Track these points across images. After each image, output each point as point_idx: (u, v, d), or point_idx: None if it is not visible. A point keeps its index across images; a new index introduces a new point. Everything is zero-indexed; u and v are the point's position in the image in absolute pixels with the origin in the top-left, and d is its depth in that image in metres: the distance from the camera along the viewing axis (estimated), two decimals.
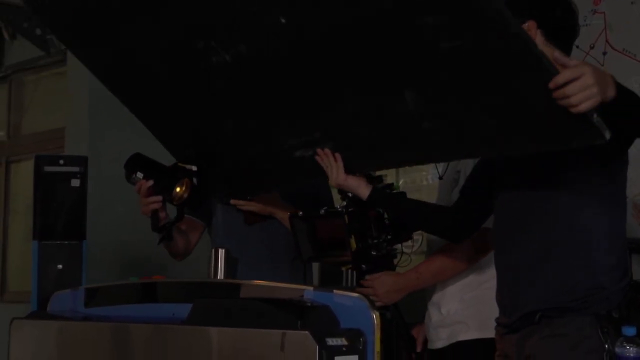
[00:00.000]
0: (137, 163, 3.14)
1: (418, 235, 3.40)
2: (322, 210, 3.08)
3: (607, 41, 4.30)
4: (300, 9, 2.61)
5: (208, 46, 2.88)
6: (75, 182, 3.76)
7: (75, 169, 3.77)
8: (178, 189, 3.14)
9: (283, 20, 2.64)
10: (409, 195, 3.19)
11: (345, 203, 3.02)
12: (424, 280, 3.07)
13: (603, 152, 2.37)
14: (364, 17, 2.49)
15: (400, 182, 4.85)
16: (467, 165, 2.98)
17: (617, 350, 2.37)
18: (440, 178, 3.23)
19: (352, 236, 3.02)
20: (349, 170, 2.90)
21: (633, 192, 4.00)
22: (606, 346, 2.42)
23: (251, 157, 3.16)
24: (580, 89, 2.12)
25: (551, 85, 2.15)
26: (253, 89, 2.96)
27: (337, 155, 2.89)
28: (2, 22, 5.95)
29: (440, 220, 2.93)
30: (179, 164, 3.14)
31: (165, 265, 5.11)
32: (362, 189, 2.90)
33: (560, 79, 2.14)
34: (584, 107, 2.13)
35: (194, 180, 3.12)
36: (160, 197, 3.14)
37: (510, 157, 2.59)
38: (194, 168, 3.12)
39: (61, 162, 3.76)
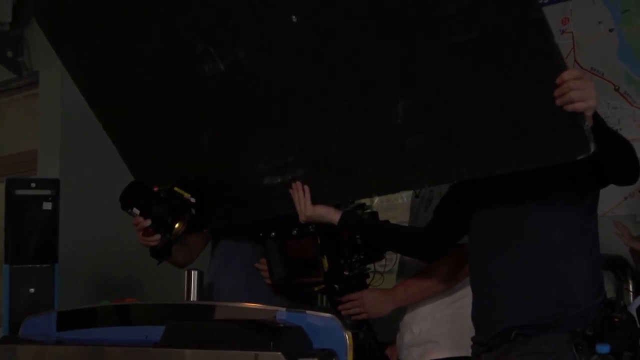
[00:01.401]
0: (133, 197, 3.08)
1: (391, 254, 3.41)
2: (295, 231, 3.08)
3: (575, 60, 4.35)
4: (310, 7, 2.62)
5: (205, 52, 2.87)
6: (47, 205, 3.75)
7: (47, 191, 3.76)
8: (177, 226, 3.12)
9: (294, 19, 2.64)
10: (383, 215, 3.21)
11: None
12: (411, 295, 3.08)
13: (577, 175, 2.41)
14: (363, 17, 2.50)
15: (375, 201, 4.85)
16: (441, 185, 3.00)
17: None
18: (417, 196, 3.24)
19: (325, 256, 3.02)
20: (321, 201, 2.90)
21: (608, 205, 4.04)
22: None
23: (220, 181, 3.15)
24: (582, 87, 2.20)
25: (558, 80, 2.21)
26: (234, 105, 2.96)
27: (306, 187, 2.89)
28: None
29: (412, 242, 2.94)
30: (176, 189, 3.09)
31: (139, 287, 5.10)
32: (332, 215, 2.91)
33: (567, 75, 2.21)
34: (581, 106, 2.21)
35: (192, 210, 3.09)
36: (158, 237, 3.12)
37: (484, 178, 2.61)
38: (192, 200, 3.09)
39: (33, 185, 3.75)
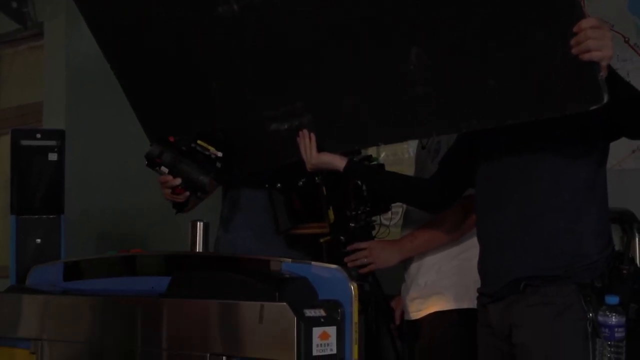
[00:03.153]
0: (159, 155, 3.05)
1: (397, 207, 3.40)
2: (301, 182, 3.07)
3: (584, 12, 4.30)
4: None
5: None
6: (53, 156, 3.74)
7: (53, 142, 3.75)
8: (206, 182, 3.09)
9: None
10: (390, 168, 3.20)
11: (323, 174, 3.02)
12: (418, 245, 3.08)
13: (588, 127, 2.41)
14: None
15: (382, 155, 4.84)
16: (448, 136, 2.98)
17: (600, 318, 2.41)
18: (423, 148, 3.22)
19: (330, 208, 3.02)
20: (327, 148, 2.89)
21: (616, 158, 4.02)
22: (589, 315, 2.44)
23: (227, 129, 3.13)
24: (600, 36, 2.19)
25: (575, 28, 2.20)
26: (245, 48, 2.93)
27: (312, 135, 2.88)
28: None
29: (418, 192, 2.93)
30: (200, 142, 3.04)
31: (144, 238, 5.11)
32: (338, 162, 2.90)
33: (585, 23, 2.19)
34: (597, 55, 2.19)
35: (218, 164, 3.06)
36: (187, 194, 3.09)
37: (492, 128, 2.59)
38: (219, 154, 3.05)
39: (38, 136, 3.74)
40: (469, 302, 2.94)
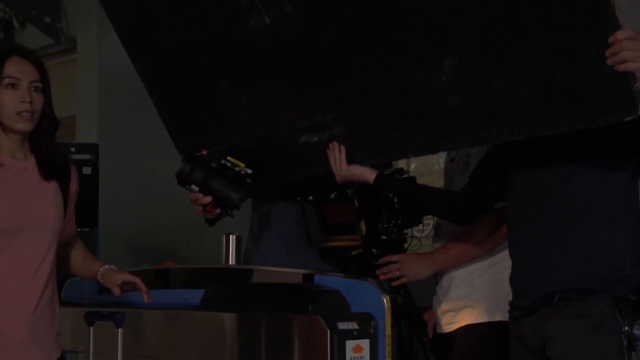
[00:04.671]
0: (190, 173, 3.06)
1: (428, 219, 3.40)
2: (333, 195, 3.08)
3: None
4: None
5: (252, 4, 2.86)
6: (87, 170, 3.78)
7: (87, 156, 3.80)
8: (237, 199, 3.10)
9: None
10: (420, 180, 3.19)
11: (355, 187, 3.02)
12: (450, 258, 3.07)
13: (622, 138, 2.41)
14: None
15: (412, 167, 4.84)
16: (478, 149, 2.98)
17: (636, 332, 2.41)
18: (452, 161, 3.22)
19: (362, 220, 3.02)
20: (357, 161, 2.90)
21: None
22: (625, 328, 2.43)
23: (258, 137, 3.14)
24: (636, 47, 2.20)
25: (611, 39, 2.20)
26: (276, 59, 2.95)
27: (342, 147, 2.89)
28: (12, 11, 5.96)
29: (448, 205, 2.93)
30: (230, 159, 3.04)
31: (177, 251, 5.15)
32: (368, 174, 2.90)
33: (620, 34, 2.20)
34: (633, 66, 2.20)
35: (248, 180, 3.06)
36: (218, 211, 3.10)
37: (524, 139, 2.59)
38: (249, 170, 3.06)
39: (72, 149, 3.78)
40: (501, 315, 2.93)
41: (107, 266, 2.70)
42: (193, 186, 3.05)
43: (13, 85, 2.52)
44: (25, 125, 2.54)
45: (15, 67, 2.53)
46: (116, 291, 2.64)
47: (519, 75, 2.44)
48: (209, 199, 3.06)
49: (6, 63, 2.53)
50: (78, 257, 2.78)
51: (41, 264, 2.54)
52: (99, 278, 2.69)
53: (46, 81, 2.58)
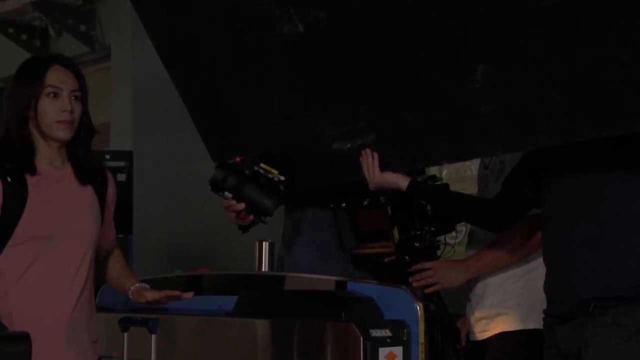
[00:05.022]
0: (223, 180, 3.08)
1: (461, 226, 3.39)
2: (366, 202, 3.08)
3: None
4: None
5: (285, 12, 2.88)
6: (121, 177, 3.81)
7: (121, 163, 3.82)
8: (270, 206, 3.11)
9: None
10: (452, 187, 3.18)
11: (388, 194, 3.02)
12: (484, 265, 3.06)
13: None
14: None
15: (444, 173, 4.82)
16: (512, 156, 2.97)
17: None
18: (486, 168, 3.21)
19: (395, 227, 3.02)
20: (390, 168, 2.89)
21: None
22: None
23: (289, 145, 3.15)
24: None
25: None
26: (309, 66, 2.96)
27: (375, 154, 2.89)
28: (48, 20, 6.04)
29: (482, 212, 2.92)
30: (263, 166, 3.06)
31: (210, 257, 5.17)
32: (401, 181, 2.90)
33: None
34: None
35: (281, 187, 3.07)
36: (251, 218, 3.11)
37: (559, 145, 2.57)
38: (282, 178, 3.07)
39: (107, 157, 3.81)
40: (535, 322, 2.91)
41: (138, 284, 2.71)
42: (227, 193, 3.07)
43: (54, 95, 2.56)
44: (65, 134, 2.57)
45: (57, 77, 2.57)
46: (142, 301, 2.66)
47: (553, 81, 2.43)
48: (242, 205, 3.07)
49: (48, 72, 2.57)
50: (114, 270, 2.80)
51: (78, 270, 2.57)
52: (130, 295, 2.70)
53: (85, 90, 2.62)
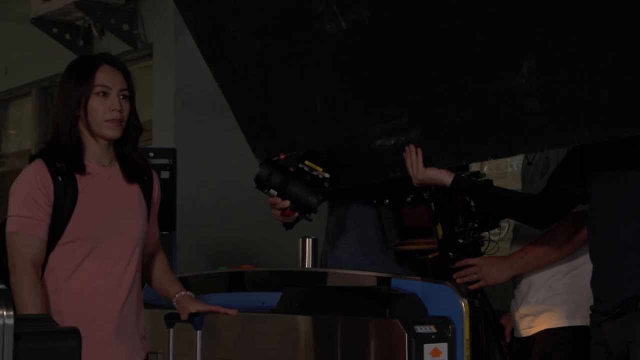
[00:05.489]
0: (268, 177, 3.08)
1: (505, 223, 3.37)
2: (409, 198, 3.07)
3: None
4: None
5: (328, 9, 2.88)
6: (165, 174, 3.83)
7: (165, 161, 3.84)
8: (314, 203, 3.11)
9: None
10: (494, 183, 3.17)
11: (431, 190, 3.01)
12: (529, 262, 3.03)
13: None
14: None
15: (485, 169, 4.80)
16: (557, 152, 2.95)
17: None
18: (530, 164, 3.19)
19: (439, 224, 3.01)
20: (434, 164, 2.88)
21: None
22: None
23: (333, 142, 3.16)
24: None
25: None
26: (351, 64, 2.96)
27: (419, 150, 2.88)
28: (91, 19, 6.10)
29: (525, 207, 2.90)
30: (308, 163, 3.07)
31: (253, 254, 5.19)
32: (445, 177, 2.89)
33: None
34: None
35: (326, 184, 3.08)
36: (295, 215, 3.13)
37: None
38: (326, 175, 3.08)
39: (151, 154, 3.83)
40: (581, 319, 2.89)
41: (184, 292, 2.71)
42: (272, 191, 3.08)
43: (104, 94, 2.59)
44: (114, 132, 2.60)
45: (106, 76, 2.60)
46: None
47: (600, 76, 2.40)
48: (287, 203, 3.08)
49: (97, 72, 2.60)
50: (158, 274, 2.81)
51: (127, 267, 2.59)
52: (174, 303, 2.71)
53: (132, 89, 2.65)
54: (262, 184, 3.09)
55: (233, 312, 2.66)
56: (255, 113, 3.35)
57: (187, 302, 2.68)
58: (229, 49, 3.30)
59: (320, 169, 3.06)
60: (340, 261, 3.30)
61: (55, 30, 6.28)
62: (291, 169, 3.10)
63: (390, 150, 2.98)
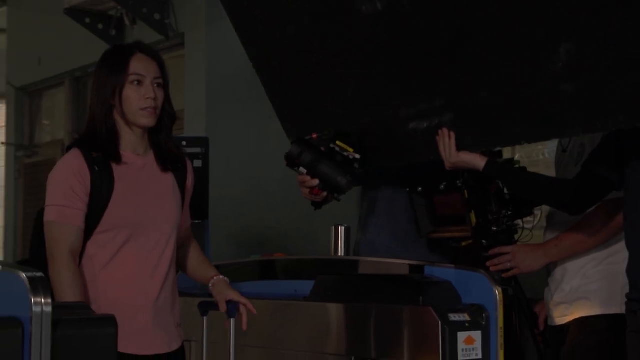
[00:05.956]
0: (299, 155, 3.11)
1: (538, 210, 3.35)
2: (442, 185, 3.06)
3: None
4: None
5: None
6: (198, 163, 3.84)
7: (197, 149, 3.86)
8: (344, 184, 3.12)
9: None
10: None
11: (465, 177, 3.00)
12: (563, 249, 3.01)
13: None
14: None
15: (516, 157, 4.77)
16: (592, 139, 2.92)
17: None
18: (564, 151, 3.16)
19: (472, 211, 3.00)
20: (467, 147, 2.87)
21: None
22: None
23: (365, 123, 3.14)
24: None
25: None
26: (385, 46, 2.95)
27: (452, 133, 2.87)
28: (123, 9, 6.14)
29: (558, 192, 2.88)
30: (339, 143, 3.08)
31: (286, 242, 5.20)
32: (478, 161, 2.87)
33: None
34: None
35: (356, 165, 3.09)
36: (324, 194, 3.14)
37: None
38: (357, 156, 3.09)
39: (183, 143, 3.84)
40: (617, 307, 2.87)
41: (220, 277, 2.73)
42: (302, 169, 3.10)
43: (138, 82, 2.60)
44: (149, 120, 2.61)
45: (140, 64, 2.61)
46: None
47: (636, 60, 2.38)
48: (316, 181, 3.10)
49: (131, 60, 2.61)
50: (193, 259, 2.83)
51: (162, 255, 2.61)
52: (210, 286, 2.73)
53: (166, 77, 2.66)
54: (292, 161, 3.11)
55: (253, 310, 2.67)
56: (289, 93, 3.36)
57: (223, 288, 2.69)
58: (264, 30, 3.30)
59: (352, 150, 3.07)
60: (373, 247, 3.30)
61: (87, 20, 6.32)
62: (322, 149, 3.11)
63: (422, 134, 2.98)
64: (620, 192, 2.75)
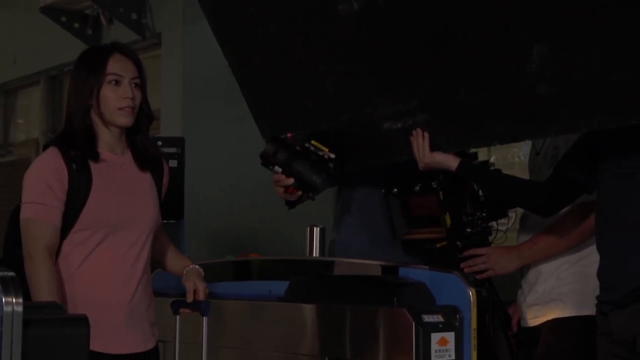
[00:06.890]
0: (274, 154, 3.11)
1: (512, 212, 3.36)
2: (417, 187, 3.07)
3: None
4: None
5: None
6: (173, 163, 3.84)
7: (173, 149, 3.86)
8: (318, 183, 3.12)
9: None
10: None
11: (440, 179, 3.01)
12: (537, 251, 3.03)
13: None
14: None
15: (491, 159, 4.80)
16: (566, 142, 2.94)
17: None
18: (537, 154, 3.18)
19: (447, 213, 3.01)
20: (440, 148, 2.88)
21: None
22: None
23: (341, 123, 3.14)
24: None
25: None
26: (363, 45, 2.95)
27: (426, 134, 2.88)
28: (100, 8, 6.12)
29: (530, 194, 2.89)
30: (314, 143, 3.09)
31: (261, 243, 5.20)
32: (450, 162, 2.89)
33: None
34: None
35: (331, 165, 3.09)
36: (299, 194, 3.15)
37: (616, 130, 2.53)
38: (332, 155, 3.09)
39: (159, 143, 3.84)
40: (589, 309, 2.88)
41: (193, 266, 2.74)
42: (276, 167, 3.10)
43: (116, 82, 2.60)
44: (126, 120, 2.61)
45: (118, 65, 2.61)
46: (190, 297, 2.67)
47: (610, 62, 2.39)
48: (291, 180, 3.10)
49: (109, 60, 2.61)
50: (169, 254, 2.84)
51: (139, 255, 2.62)
52: (184, 274, 2.73)
53: (144, 77, 2.66)
54: (267, 160, 3.12)
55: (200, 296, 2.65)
56: (264, 92, 3.35)
57: (193, 276, 2.70)
58: (240, 29, 3.30)
59: (326, 149, 3.08)
60: (347, 248, 3.31)
61: (63, 19, 6.30)
62: (297, 148, 3.11)
63: (397, 134, 2.98)
64: (592, 195, 2.77)
